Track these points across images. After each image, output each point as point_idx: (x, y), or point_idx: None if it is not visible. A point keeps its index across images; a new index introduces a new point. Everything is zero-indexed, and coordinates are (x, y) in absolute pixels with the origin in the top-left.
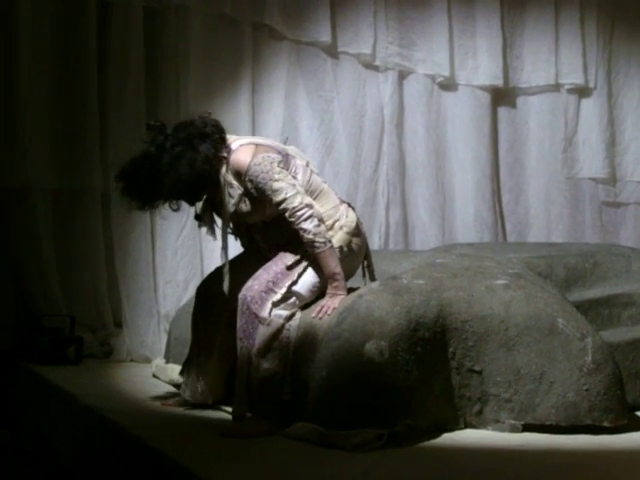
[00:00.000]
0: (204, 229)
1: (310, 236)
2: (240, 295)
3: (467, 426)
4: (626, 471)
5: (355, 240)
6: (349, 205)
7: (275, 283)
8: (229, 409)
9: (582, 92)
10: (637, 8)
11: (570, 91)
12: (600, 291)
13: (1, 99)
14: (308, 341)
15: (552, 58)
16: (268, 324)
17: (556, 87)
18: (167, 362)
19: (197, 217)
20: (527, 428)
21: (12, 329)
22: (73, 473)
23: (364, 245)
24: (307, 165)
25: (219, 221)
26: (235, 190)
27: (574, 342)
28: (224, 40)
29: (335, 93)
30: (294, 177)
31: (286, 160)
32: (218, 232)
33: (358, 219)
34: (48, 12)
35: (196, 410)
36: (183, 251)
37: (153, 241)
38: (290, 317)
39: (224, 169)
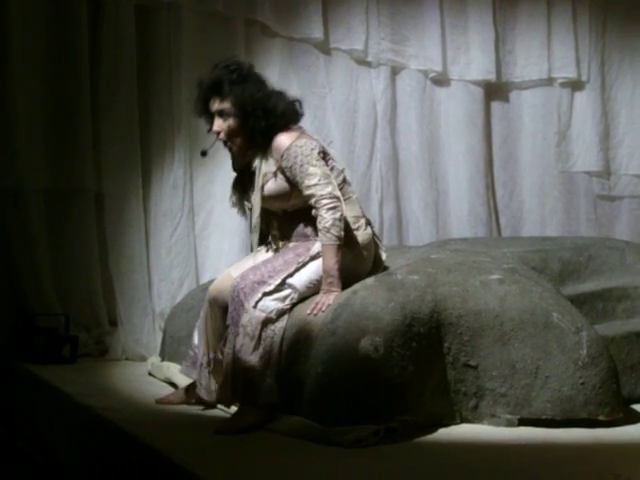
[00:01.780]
0: (196, 230)
1: (327, 224)
2: (234, 282)
3: (463, 421)
4: (622, 464)
5: (364, 253)
6: (368, 222)
7: (271, 276)
8: (226, 408)
9: (575, 86)
10: (629, 1)
11: (563, 85)
12: (595, 285)
13: None
14: (303, 338)
15: (545, 52)
16: (251, 314)
17: (549, 81)
18: (162, 360)
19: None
20: (523, 422)
21: (7, 329)
22: (69, 472)
23: (370, 262)
24: (342, 171)
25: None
26: (270, 166)
27: (569, 336)
28: (216, 37)
29: (328, 89)
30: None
31: (324, 157)
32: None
33: (375, 237)
34: (39, 12)
35: (192, 408)
36: (177, 249)
37: (147, 239)
38: (280, 314)
39: (262, 151)
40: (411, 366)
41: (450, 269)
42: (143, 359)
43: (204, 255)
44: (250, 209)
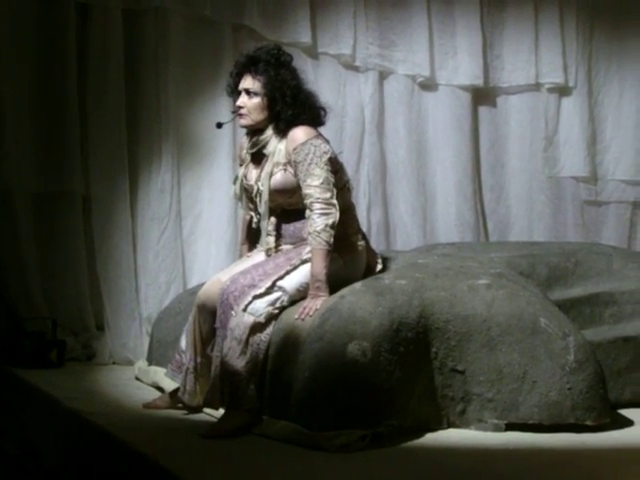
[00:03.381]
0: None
1: (318, 228)
2: (223, 286)
3: (450, 426)
4: (609, 469)
5: (356, 262)
6: (364, 236)
7: (261, 280)
8: (213, 411)
9: (562, 91)
10: (616, 7)
11: (550, 90)
12: (582, 290)
13: None
14: (290, 342)
15: (532, 57)
16: (240, 317)
17: (536, 86)
18: (149, 364)
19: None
20: (510, 427)
21: None
22: (57, 476)
23: (360, 272)
24: (346, 183)
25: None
26: (280, 158)
27: (556, 341)
28: (204, 42)
29: None
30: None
31: (335, 165)
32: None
33: (369, 247)
34: (27, 15)
35: (179, 412)
36: (165, 253)
37: (134, 243)
38: (269, 318)
39: (280, 139)
40: (398, 371)
41: (437, 274)
42: (130, 363)
43: (191, 260)
44: (251, 191)
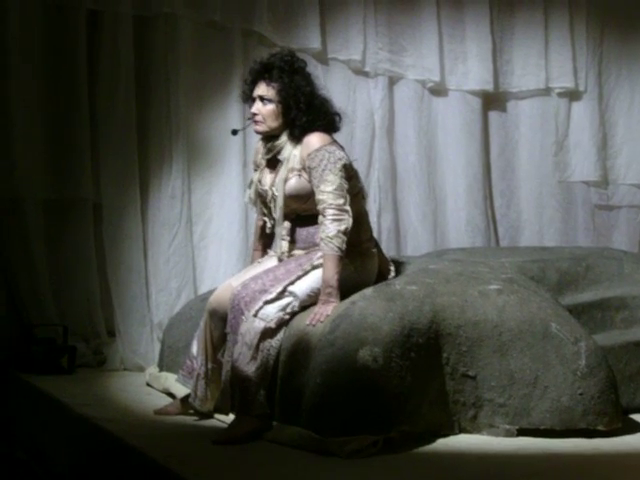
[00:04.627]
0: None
1: (330, 234)
2: (234, 291)
3: (462, 431)
4: (621, 474)
5: (366, 269)
6: (376, 244)
7: (272, 285)
8: (224, 416)
9: (573, 95)
10: (626, 11)
11: (561, 95)
12: (593, 294)
13: None
14: (301, 348)
15: (542, 62)
16: (250, 323)
17: (546, 91)
18: (160, 370)
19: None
20: (522, 433)
21: (5, 339)
22: None
23: (371, 279)
24: (360, 190)
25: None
26: (295, 163)
27: (568, 346)
28: (214, 47)
29: None
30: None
31: (349, 172)
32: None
33: (382, 258)
34: (38, 23)
35: (190, 418)
36: (175, 259)
37: (145, 249)
38: (279, 323)
39: (294, 145)
40: (410, 376)
41: (448, 279)
42: (141, 369)
43: (202, 265)
44: (265, 196)
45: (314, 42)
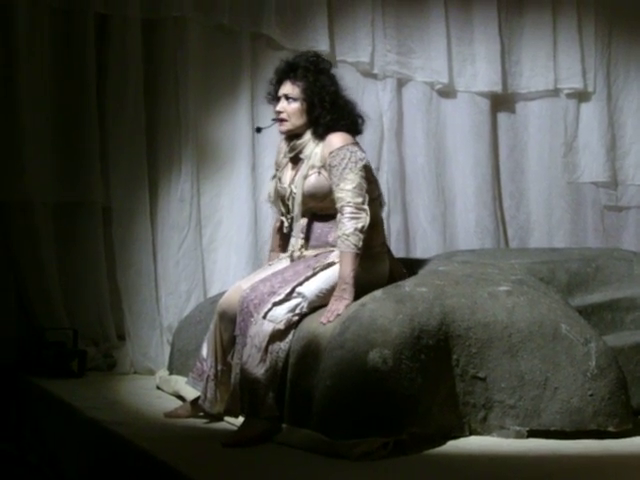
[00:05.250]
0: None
1: (347, 232)
2: (243, 293)
3: (472, 433)
4: (632, 475)
5: (377, 272)
6: (388, 250)
7: (281, 287)
8: (233, 419)
9: (581, 96)
10: (635, 12)
11: (569, 96)
12: (603, 295)
13: (1, 114)
14: (311, 351)
15: (550, 63)
16: (259, 325)
17: (555, 92)
18: (170, 374)
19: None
20: (532, 434)
21: (15, 343)
22: None
23: (382, 282)
24: (378, 196)
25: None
26: (316, 161)
27: (578, 347)
28: (222, 51)
29: None
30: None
31: (369, 175)
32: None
33: (394, 262)
34: (46, 26)
35: (200, 421)
36: (185, 262)
37: (155, 253)
38: (288, 324)
39: (317, 144)
40: (420, 378)
41: (458, 281)
42: (151, 373)
43: (212, 268)
44: (283, 194)
45: (322, 44)
